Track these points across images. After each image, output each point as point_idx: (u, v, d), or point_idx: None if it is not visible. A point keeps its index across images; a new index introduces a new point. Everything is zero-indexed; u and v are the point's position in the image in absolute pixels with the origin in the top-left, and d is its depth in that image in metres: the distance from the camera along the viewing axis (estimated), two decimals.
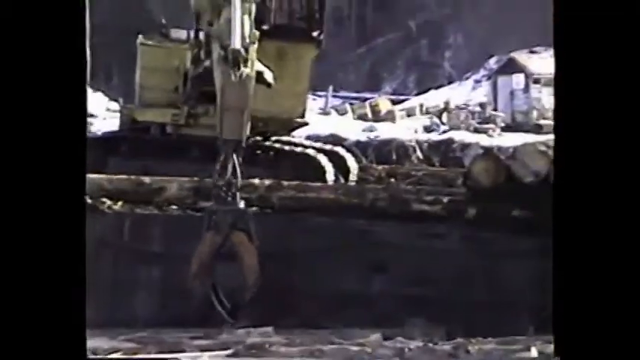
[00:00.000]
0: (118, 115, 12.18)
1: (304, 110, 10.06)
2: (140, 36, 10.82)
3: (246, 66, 6.24)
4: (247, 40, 6.23)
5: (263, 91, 9.75)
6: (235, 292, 6.11)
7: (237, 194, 6.03)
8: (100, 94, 17.59)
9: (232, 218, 5.98)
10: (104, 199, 7.82)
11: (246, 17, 6.28)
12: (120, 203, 7.81)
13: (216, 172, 6.07)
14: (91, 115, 16.42)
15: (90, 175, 8.42)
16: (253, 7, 6.44)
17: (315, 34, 10.03)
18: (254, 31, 6.38)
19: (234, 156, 6.10)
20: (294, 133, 10.74)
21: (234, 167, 6.04)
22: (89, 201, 7.77)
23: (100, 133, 14.25)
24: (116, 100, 17.62)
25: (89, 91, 17.42)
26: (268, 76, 8.69)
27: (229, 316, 6.17)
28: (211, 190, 6.14)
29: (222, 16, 6.37)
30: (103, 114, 16.70)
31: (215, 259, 6.08)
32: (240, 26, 6.14)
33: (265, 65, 7.04)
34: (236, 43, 6.10)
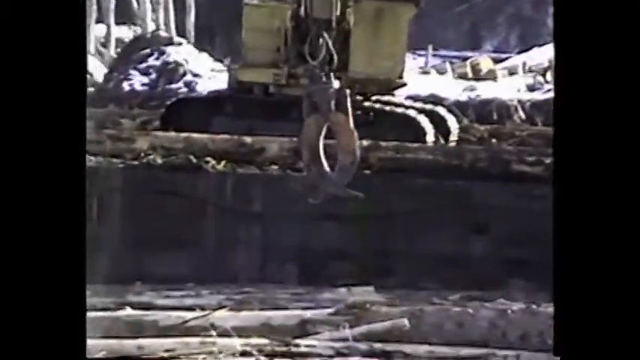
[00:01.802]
0: (223, 75, 12.31)
1: (402, 70, 9.98)
2: None
3: None
4: None
5: (360, 52, 9.74)
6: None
7: (332, 74, 5.94)
8: (204, 55, 17.83)
9: (331, 97, 5.84)
10: (208, 159, 8.00)
11: None
12: (223, 163, 7.97)
13: (307, 53, 5.99)
14: (196, 75, 16.68)
15: (194, 135, 8.63)
16: None
17: None
18: None
19: (325, 35, 6.08)
20: (394, 93, 10.67)
21: (327, 47, 5.97)
22: (194, 160, 7.97)
23: (204, 92, 14.50)
24: (220, 61, 17.83)
25: (194, 51, 17.70)
26: None
27: (351, 195, 5.88)
28: (305, 72, 6.05)
29: None
30: (207, 74, 16.94)
31: (322, 143, 5.82)
32: None
33: None
34: None
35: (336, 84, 5.87)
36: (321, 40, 5.97)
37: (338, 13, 8.21)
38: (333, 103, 5.70)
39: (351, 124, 5.75)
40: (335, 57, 5.96)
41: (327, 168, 5.75)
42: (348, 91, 5.84)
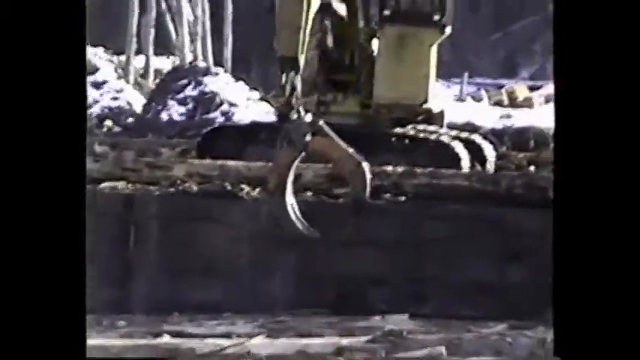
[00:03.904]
0: (258, 103, 12.35)
1: (426, 96, 9.96)
2: None
3: None
4: None
5: (385, 78, 9.74)
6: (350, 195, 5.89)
7: (301, 109, 6.02)
8: (241, 83, 17.99)
9: (304, 130, 5.93)
10: (243, 186, 8.04)
11: None
12: (257, 189, 8.00)
13: (279, 92, 6.11)
14: (232, 105, 16.82)
15: (229, 162, 8.69)
16: None
17: (436, 18, 9.91)
18: None
19: (292, 73, 6.07)
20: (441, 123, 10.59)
21: (293, 85, 6.05)
22: (229, 187, 8.02)
23: (241, 122, 14.59)
24: (256, 89, 17.97)
25: (231, 80, 17.84)
26: (338, 7, 8.63)
27: (308, 230, 6.05)
28: (278, 111, 6.16)
29: None
30: (244, 103, 17.08)
31: (292, 174, 5.96)
32: None
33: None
34: None
35: (308, 117, 6.01)
36: (284, 77, 6.08)
37: (364, 39, 8.18)
38: (308, 135, 5.86)
39: (338, 140, 5.85)
40: (299, 92, 6.10)
41: (291, 199, 5.89)
42: (322, 121, 5.98)
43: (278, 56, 6.27)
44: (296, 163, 5.98)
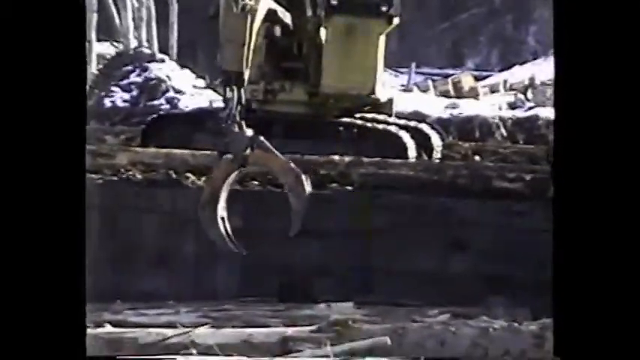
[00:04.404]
0: (205, 91, 12.27)
1: (374, 86, 9.98)
2: None
3: None
4: None
5: (332, 68, 9.73)
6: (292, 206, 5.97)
7: (243, 123, 6.06)
8: (187, 71, 17.82)
9: (244, 144, 5.96)
10: (188, 174, 7.96)
11: None
12: (203, 178, 7.94)
13: (222, 105, 6.15)
14: (178, 92, 16.66)
15: (175, 151, 8.60)
16: None
17: (384, 9, 9.93)
18: None
19: (236, 88, 6.09)
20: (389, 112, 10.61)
21: (239, 99, 6.08)
22: (174, 175, 7.93)
23: (187, 109, 14.46)
24: (202, 77, 17.82)
25: (177, 67, 17.67)
26: (283, 15, 8.62)
27: (236, 246, 6.14)
28: (220, 123, 6.20)
29: None
30: (190, 91, 16.92)
31: (227, 188, 6.02)
32: None
33: (290, 12, 6.94)
34: None
35: (249, 132, 6.06)
36: (229, 92, 6.10)
37: (312, 28, 8.14)
38: (248, 150, 5.91)
39: (278, 155, 5.94)
40: (243, 106, 6.14)
41: (223, 212, 5.96)
42: (261, 137, 6.04)
43: (222, 70, 6.23)
44: (232, 177, 6.03)
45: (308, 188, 6.00)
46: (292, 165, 6.05)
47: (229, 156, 6.03)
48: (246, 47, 6.23)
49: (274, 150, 6.04)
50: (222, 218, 6.11)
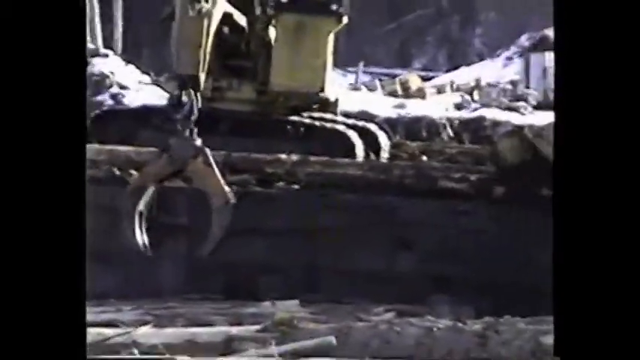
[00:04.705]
0: (150, 87, 12.15)
1: (323, 85, 9.97)
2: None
3: (207, 2, 6.20)
4: None
5: (281, 66, 9.72)
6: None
7: (194, 130, 6.05)
8: (131, 67, 17.62)
9: (189, 152, 5.94)
10: (132, 171, 7.86)
11: None
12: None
13: (172, 107, 6.11)
14: (124, 87, 16.47)
15: (118, 147, 8.47)
16: None
17: (334, 7, 9.94)
18: None
19: (191, 91, 6.04)
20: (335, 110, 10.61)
21: (191, 103, 6.05)
22: (117, 172, 7.82)
23: (132, 105, 14.29)
24: (147, 73, 17.63)
25: (121, 63, 17.46)
26: (239, 18, 8.60)
27: (145, 247, 6.12)
28: (169, 123, 6.18)
29: None
30: (135, 86, 16.73)
31: (155, 186, 6.01)
32: None
33: (240, 10, 6.93)
34: None
35: (198, 141, 6.04)
36: (185, 96, 6.07)
37: (260, 26, 8.11)
38: (191, 157, 5.90)
39: (217, 173, 5.92)
40: (196, 114, 6.14)
41: (142, 208, 5.94)
42: (208, 150, 6.03)
43: (177, 74, 6.16)
44: (164, 176, 5.98)
45: (230, 217, 6.03)
46: (226, 189, 6.04)
47: (170, 156, 5.97)
48: (202, 50, 6.17)
49: (215, 167, 6.02)
50: (141, 213, 6.04)
